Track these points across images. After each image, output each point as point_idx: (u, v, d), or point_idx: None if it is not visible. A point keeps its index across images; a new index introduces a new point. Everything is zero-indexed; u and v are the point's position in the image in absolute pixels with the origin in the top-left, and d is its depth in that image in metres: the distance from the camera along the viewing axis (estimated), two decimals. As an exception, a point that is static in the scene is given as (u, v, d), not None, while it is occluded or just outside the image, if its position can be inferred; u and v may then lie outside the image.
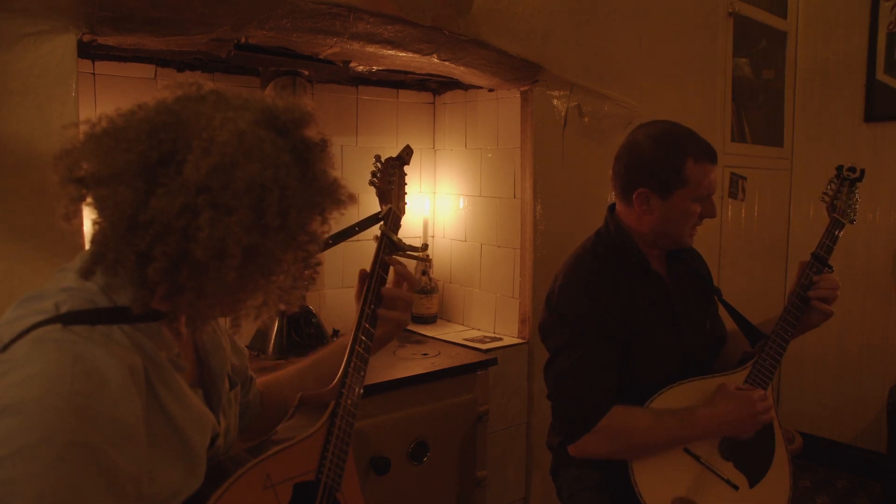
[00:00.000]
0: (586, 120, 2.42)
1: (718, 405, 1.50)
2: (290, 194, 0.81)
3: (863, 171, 1.64)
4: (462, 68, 2.08)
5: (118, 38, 1.50)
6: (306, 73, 2.08)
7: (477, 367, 2.06)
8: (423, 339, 2.33)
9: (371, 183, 1.32)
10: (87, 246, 0.82)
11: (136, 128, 0.79)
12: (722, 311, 1.74)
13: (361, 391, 1.13)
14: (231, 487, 0.91)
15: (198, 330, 0.87)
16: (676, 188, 1.52)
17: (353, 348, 1.14)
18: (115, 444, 0.73)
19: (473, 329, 2.49)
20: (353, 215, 1.03)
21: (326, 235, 0.92)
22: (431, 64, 2.04)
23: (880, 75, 3.24)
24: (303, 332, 2.05)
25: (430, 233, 2.61)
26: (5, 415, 0.69)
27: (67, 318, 0.76)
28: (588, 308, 1.52)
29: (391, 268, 1.22)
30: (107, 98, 1.85)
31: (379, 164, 1.33)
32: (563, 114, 2.35)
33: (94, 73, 1.84)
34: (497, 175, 2.41)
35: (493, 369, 2.13)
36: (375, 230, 1.26)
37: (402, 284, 1.23)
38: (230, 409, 1.07)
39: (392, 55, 1.92)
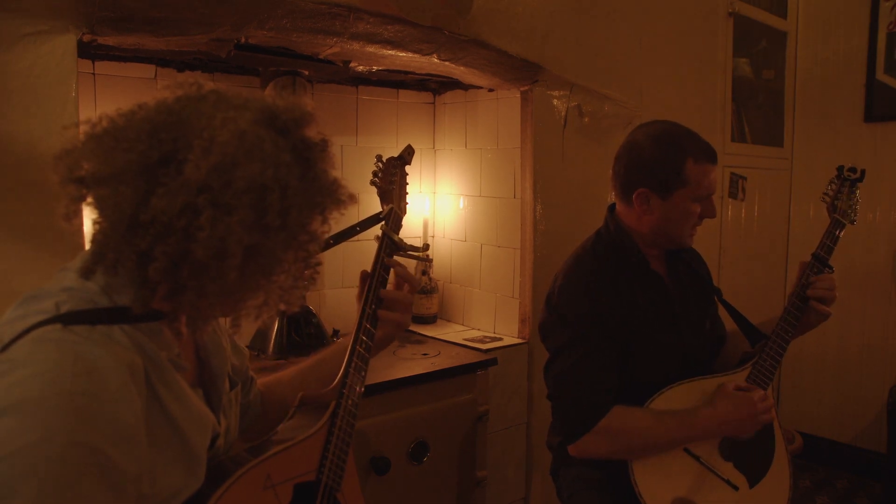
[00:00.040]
0: (586, 120, 2.42)
1: (718, 405, 1.50)
2: (290, 194, 0.81)
3: (863, 172, 1.64)
4: (462, 68, 2.08)
5: (118, 38, 1.50)
6: (306, 73, 2.08)
7: (477, 367, 2.06)
8: (423, 339, 2.33)
9: (372, 183, 1.32)
10: (88, 246, 0.82)
11: (137, 127, 0.79)
12: (722, 311, 1.74)
13: (362, 391, 1.13)
14: (231, 487, 0.91)
15: (198, 330, 0.87)
16: (676, 188, 1.52)
17: (353, 348, 1.14)
18: (116, 444, 0.73)
19: (473, 329, 2.49)
20: (353, 215, 1.03)
21: (327, 235, 0.92)
22: (431, 64, 2.04)
23: (880, 75, 3.25)
24: (303, 332, 2.05)
25: (430, 233, 2.61)
26: (5, 414, 0.69)
27: (68, 318, 0.76)
28: (588, 308, 1.52)
29: (392, 269, 1.22)
30: (107, 98, 1.85)
31: (380, 164, 1.33)
32: (563, 114, 2.35)
33: (94, 73, 1.84)
34: (497, 175, 2.41)
35: (493, 369, 2.12)
36: (376, 230, 1.26)
37: (402, 286, 1.23)
38: (231, 409, 1.07)
39: (392, 55, 1.92)
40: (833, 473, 3.36)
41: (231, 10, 1.51)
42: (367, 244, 1.26)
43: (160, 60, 1.93)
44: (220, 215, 0.76)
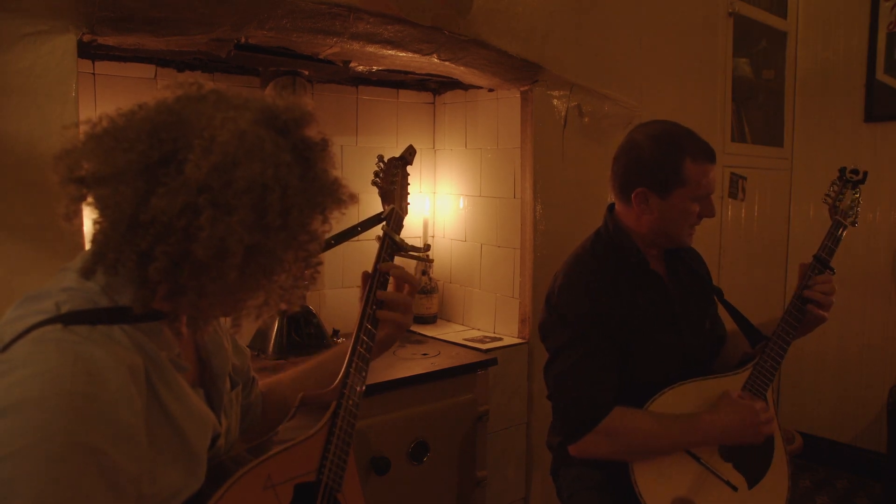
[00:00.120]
0: (586, 120, 2.42)
1: (721, 413, 1.50)
2: (291, 193, 0.81)
3: (865, 174, 1.64)
4: (462, 68, 2.08)
5: (118, 38, 1.50)
6: (306, 73, 2.08)
7: (477, 367, 2.06)
8: (423, 339, 2.33)
9: (374, 183, 1.31)
10: (88, 245, 0.82)
11: (137, 127, 0.79)
12: (722, 312, 1.74)
13: (363, 391, 1.13)
14: (232, 487, 0.91)
15: (199, 330, 0.87)
16: (675, 188, 1.52)
17: (354, 349, 1.13)
18: (116, 445, 0.73)
19: (473, 329, 2.49)
20: (354, 215, 1.03)
21: (327, 235, 0.92)
22: (431, 64, 2.04)
23: (880, 75, 3.25)
24: (303, 332, 2.05)
25: (430, 233, 2.61)
26: (5, 415, 0.69)
27: (68, 318, 0.76)
28: (588, 308, 1.52)
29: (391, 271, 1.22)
30: (107, 98, 1.85)
31: (382, 164, 1.32)
32: (563, 114, 2.35)
33: (94, 73, 1.84)
34: (497, 175, 2.41)
35: (493, 369, 2.12)
36: (378, 230, 1.26)
37: (403, 287, 1.22)
38: (231, 409, 1.07)
39: (392, 55, 1.92)
40: (833, 473, 3.36)
41: (231, 10, 1.51)
42: (368, 244, 1.26)
43: (160, 60, 1.93)
44: (221, 215, 0.76)
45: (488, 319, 2.47)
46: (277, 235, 0.82)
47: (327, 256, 0.95)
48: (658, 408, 1.51)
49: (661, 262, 1.67)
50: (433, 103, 2.64)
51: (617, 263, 1.59)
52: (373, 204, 1.30)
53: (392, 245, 1.24)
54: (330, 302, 2.35)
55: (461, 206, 2.58)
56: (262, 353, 2.01)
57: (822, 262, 1.59)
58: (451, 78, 2.25)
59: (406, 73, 2.24)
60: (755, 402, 1.52)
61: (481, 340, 2.29)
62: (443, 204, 2.65)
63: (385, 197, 1.31)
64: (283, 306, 0.90)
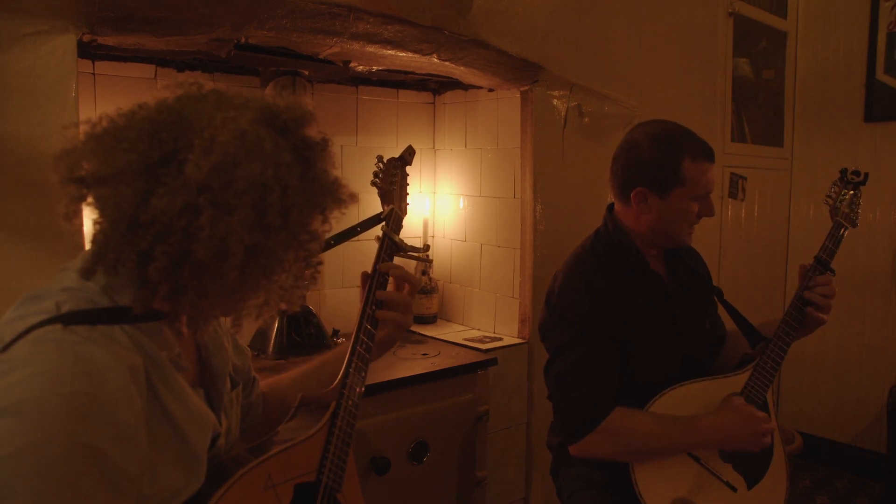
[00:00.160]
0: (586, 120, 2.42)
1: (723, 418, 1.50)
2: (291, 193, 0.81)
3: (866, 175, 1.64)
4: (462, 68, 2.08)
5: (118, 38, 1.50)
6: (306, 73, 2.08)
7: (477, 367, 2.06)
8: (423, 339, 2.33)
9: (373, 183, 1.31)
10: (88, 245, 0.82)
11: (137, 127, 0.79)
12: (722, 312, 1.74)
13: (362, 392, 1.13)
14: (232, 487, 0.91)
15: (199, 330, 0.87)
16: (674, 187, 1.52)
17: (354, 349, 1.13)
18: (116, 445, 0.73)
19: (473, 329, 2.49)
20: (353, 215, 1.03)
21: (327, 235, 0.92)
22: (431, 64, 2.04)
23: (880, 75, 3.25)
24: (303, 332, 2.05)
25: (430, 233, 2.61)
26: (5, 415, 0.69)
27: (68, 318, 0.76)
28: (588, 307, 1.52)
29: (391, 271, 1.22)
30: (107, 98, 1.85)
31: (381, 165, 1.32)
32: (563, 114, 2.35)
33: (94, 73, 1.84)
34: (497, 175, 2.41)
35: (493, 369, 2.12)
36: (377, 230, 1.25)
37: (403, 286, 1.22)
38: (231, 409, 1.07)
39: (392, 55, 1.92)
40: (833, 473, 3.36)
41: (231, 10, 1.51)
42: (367, 244, 1.26)
43: (160, 60, 1.93)
44: (221, 215, 0.76)
45: (488, 319, 2.47)
46: (278, 235, 0.82)
47: (327, 256, 0.95)
48: (658, 408, 1.51)
49: (661, 261, 1.67)
50: (433, 103, 2.64)
51: (617, 263, 1.59)
52: (372, 204, 1.30)
53: (391, 245, 1.24)
54: (330, 302, 2.35)
55: (461, 206, 2.58)
56: (262, 353, 2.01)
57: (822, 264, 1.58)
58: (451, 78, 2.25)
59: (406, 73, 2.24)
60: (757, 410, 1.52)
61: (481, 340, 2.29)
62: (443, 204, 2.65)
63: (384, 197, 1.31)
64: (284, 306, 0.90)
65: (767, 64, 3.46)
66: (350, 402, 1.10)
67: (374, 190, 1.31)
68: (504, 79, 2.19)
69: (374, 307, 1.17)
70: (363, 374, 1.13)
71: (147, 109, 0.82)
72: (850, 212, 1.62)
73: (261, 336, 2.04)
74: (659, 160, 1.52)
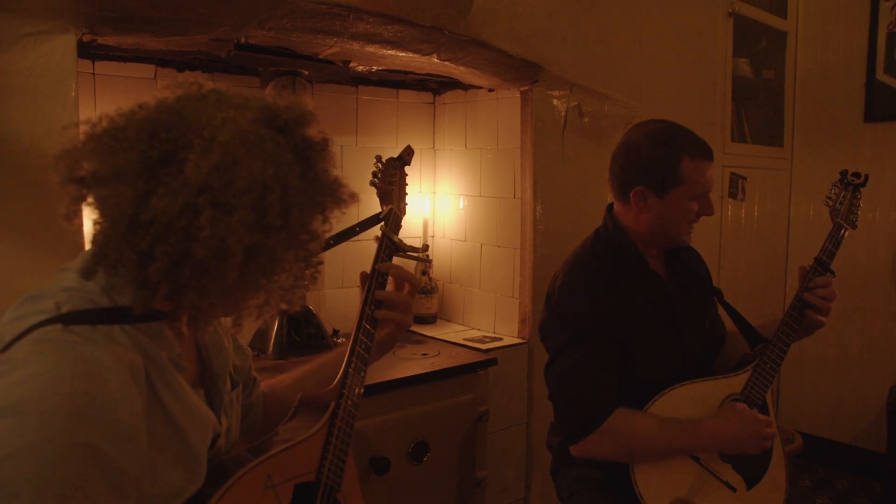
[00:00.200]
0: (586, 120, 2.42)
1: (725, 422, 1.50)
2: (291, 193, 0.81)
3: (866, 177, 1.64)
4: (462, 68, 2.08)
5: (118, 38, 1.50)
6: (306, 73, 2.08)
7: (477, 367, 2.06)
8: (423, 339, 2.33)
9: (372, 183, 1.31)
10: (88, 246, 0.82)
11: (137, 127, 0.79)
12: (722, 313, 1.74)
13: (362, 392, 1.13)
14: (232, 487, 0.91)
15: (199, 330, 0.87)
16: (673, 186, 1.52)
17: (353, 349, 1.13)
18: (116, 445, 0.73)
19: (473, 329, 2.49)
20: (353, 215, 1.03)
21: (327, 235, 0.91)
22: (431, 64, 2.04)
23: (880, 75, 3.25)
24: (303, 332, 2.05)
25: (430, 233, 2.61)
26: (6, 415, 0.69)
27: (68, 318, 0.76)
28: (588, 307, 1.52)
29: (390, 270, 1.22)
30: (107, 98, 1.85)
31: (380, 165, 1.32)
32: (563, 114, 2.35)
33: (94, 73, 1.84)
34: (497, 175, 2.41)
35: (493, 369, 2.12)
36: (376, 231, 1.25)
37: (403, 286, 1.22)
38: (232, 409, 1.07)
39: (392, 55, 1.92)
40: (833, 473, 3.36)
41: (231, 10, 1.51)
42: (367, 244, 1.26)
43: (160, 60, 1.93)
44: (221, 215, 0.76)
45: (488, 319, 2.47)
46: (278, 235, 0.82)
47: (327, 256, 0.95)
48: (658, 408, 1.51)
49: (661, 261, 1.67)
50: (433, 103, 2.64)
51: (616, 263, 1.59)
52: (372, 204, 1.30)
53: (390, 245, 1.23)
54: (330, 302, 2.35)
55: (461, 206, 2.58)
56: (262, 353, 2.01)
57: (822, 265, 1.59)
58: (451, 78, 2.25)
59: (406, 73, 2.24)
60: (759, 414, 1.52)
61: (481, 340, 2.29)
62: (443, 204, 2.65)
63: (383, 197, 1.30)
64: (284, 306, 0.90)
65: (767, 64, 3.46)
66: (349, 402, 1.10)
67: (374, 190, 1.32)
68: (504, 79, 2.19)
69: (373, 307, 1.17)
70: (362, 374, 1.13)
71: (147, 109, 0.82)
72: (850, 213, 1.63)
73: (261, 336, 2.04)
74: (657, 159, 1.52)
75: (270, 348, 2.01)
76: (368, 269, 1.21)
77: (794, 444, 3.32)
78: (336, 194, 0.88)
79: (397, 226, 1.27)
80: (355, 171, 2.27)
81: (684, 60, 2.87)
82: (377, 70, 2.13)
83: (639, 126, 1.62)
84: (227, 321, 1.06)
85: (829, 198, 1.66)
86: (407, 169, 1.37)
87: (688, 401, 1.53)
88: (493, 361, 2.11)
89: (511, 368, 2.24)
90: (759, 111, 3.44)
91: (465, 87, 2.47)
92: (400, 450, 1.82)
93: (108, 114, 0.82)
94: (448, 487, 1.97)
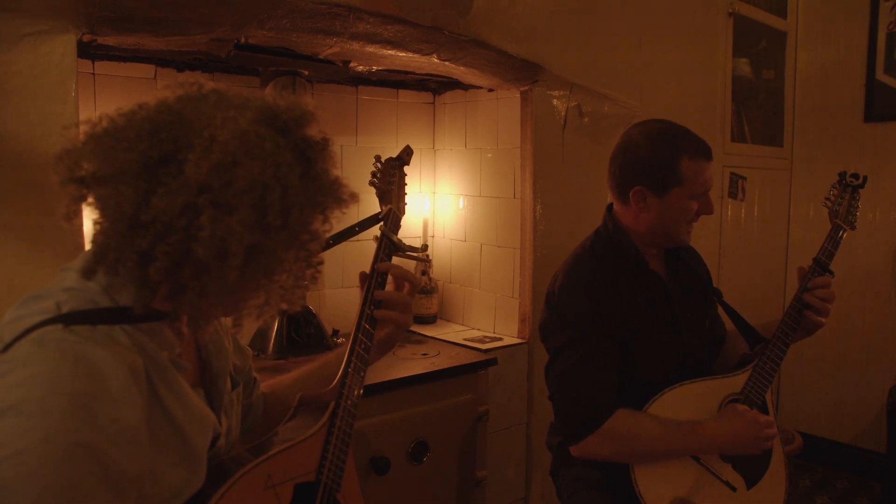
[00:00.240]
0: (586, 120, 2.42)
1: (726, 423, 1.50)
2: (291, 193, 0.81)
3: (865, 178, 1.65)
4: (462, 68, 2.08)
5: (118, 38, 1.50)
6: (306, 73, 2.08)
7: (477, 367, 2.06)
8: (423, 339, 2.33)
9: (371, 183, 1.31)
10: (88, 245, 0.82)
11: (137, 127, 0.79)
12: (721, 313, 1.74)
13: (361, 392, 1.13)
14: (232, 487, 0.91)
15: (200, 330, 0.87)
16: (672, 186, 1.52)
17: (352, 349, 1.13)
18: (117, 445, 0.73)
19: (473, 329, 2.49)
20: (353, 215, 1.03)
21: (328, 234, 0.91)
22: (431, 64, 2.04)
23: (880, 75, 3.25)
24: (303, 332, 2.05)
25: (429, 233, 2.61)
26: (6, 415, 0.69)
27: (69, 318, 0.76)
28: (588, 307, 1.52)
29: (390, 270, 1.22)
30: (107, 98, 1.85)
31: (379, 165, 1.32)
32: (563, 114, 2.35)
33: (93, 73, 1.84)
34: (497, 175, 2.41)
35: (493, 369, 2.13)
36: (375, 230, 1.25)
37: (403, 286, 1.22)
38: (232, 409, 1.07)
39: (392, 55, 1.92)
40: (833, 473, 3.36)
41: (231, 10, 1.51)
42: (367, 244, 1.26)
43: (160, 60, 1.93)
44: (221, 215, 0.76)
45: (488, 319, 2.47)
46: (278, 235, 0.82)
47: (327, 256, 0.95)
48: (658, 408, 1.51)
49: (661, 261, 1.67)
50: (433, 103, 2.64)
51: (616, 263, 1.59)
52: (372, 204, 1.30)
53: (389, 245, 1.23)
54: (330, 302, 2.35)
55: (461, 206, 2.58)
56: (262, 353, 2.01)
57: (821, 266, 1.59)
58: (451, 78, 2.25)
59: (406, 73, 2.24)
60: (760, 416, 1.53)
61: (481, 340, 2.29)
62: (442, 204, 2.65)
63: (382, 197, 1.31)
64: (284, 306, 0.90)
65: (767, 64, 3.46)
66: (349, 402, 1.10)
67: (373, 190, 1.32)
68: (504, 79, 2.20)
69: (372, 307, 1.16)
70: (362, 374, 1.13)
71: (147, 109, 0.82)
72: (849, 214, 1.64)
73: (261, 336, 2.04)
74: (657, 159, 1.52)
75: (270, 348, 2.01)
76: (368, 269, 1.21)
77: (794, 444, 3.32)
78: (336, 194, 0.88)
79: (396, 226, 1.27)
80: (355, 171, 2.27)
81: (684, 60, 2.87)
82: (377, 70, 2.13)
83: (638, 126, 1.62)
84: (227, 321, 1.06)
85: (827, 199, 1.67)
86: (406, 169, 1.37)
87: (687, 401, 1.53)
88: (493, 361, 2.11)
89: (511, 368, 2.24)
90: (759, 111, 3.44)
91: (465, 87, 2.47)
92: (400, 450, 1.82)
93: (108, 114, 0.82)
94: (448, 487, 1.97)
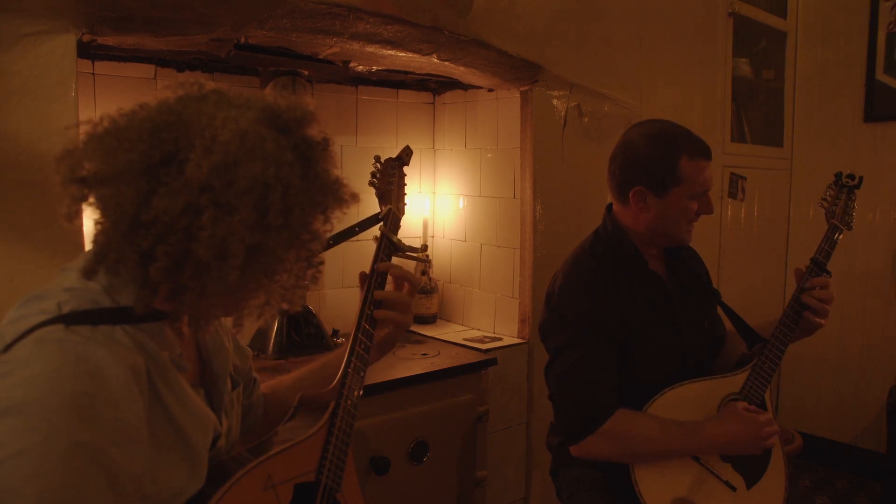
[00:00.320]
0: (586, 120, 2.42)
1: (726, 424, 1.50)
2: (292, 193, 0.81)
3: (861, 179, 1.66)
4: (462, 68, 2.08)
5: (118, 38, 1.50)
6: (306, 73, 2.08)
7: (477, 367, 2.06)
8: (422, 339, 2.33)
9: (371, 183, 1.31)
10: (89, 246, 0.82)
11: (138, 127, 0.79)
12: (720, 313, 1.74)
13: (361, 392, 1.13)
14: (232, 488, 0.91)
15: (200, 330, 0.87)
16: (672, 186, 1.52)
17: (352, 349, 1.13)
18: (118, 445, 0.73)
19: (473, 329, 2.49)
20: (352, 215, 1.03)
21: (329, 234, 0.92)
22: (431, 64, 2.04)
23: (880, 75, 3.25)
24: (303, 332, 2.05)
25: (429, 233, 2.61)
26: (8, 415, 0.69)
27: (70, 319, 0.76)
28: (588, 307, 1.52)
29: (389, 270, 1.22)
30: (106, 98, 1.85)
31: (378, 165, 1.32)
32: (562, 114, 2.35)
33: (93, 73, 1.84)
34: (497, 175, 2.41)
35: (493, 369, 2.13)
36: (375, 231, 1.25)
37: (402, 286, 1.22)
38: (232, 409, 1.07)
39: (392, 55, 1.92)
40: (833, 473, 3.36)
41: (231, 10, 1.51)
42: (367, 244, 1.26)
43: (160, 60, 1.93)
44: (222, 215, 0.76)
45: (488, 319, 2.47)
46: (279, 235, 0.82)
47: (327, 257, 0.95)
48: (658, 408, 1.51)
49: (661, 261, 1.67)
50: (433, 103, 2.64)
51: (616, 263, 1.59)
52: (371, 204, 1.30)
53: (389, 245, 1.23)
54: (330, 302, 2.35)
55: (461, 206, 2.58)
56: (261, 353, 2.01)
57: (818, 266, 1.60)
58: (451, 78, 2.25)
59: (406, 73, 2.24)
60: (760, 414, 1.53)
61: (481, 340, 2.29)
62: (442, 204, 2.65)
63: (382, 197, 1.31)
64: (285, 306, 0.90)
65: (767, 64, 3.46)
66: (349, 402, 1.10)
67: (373, 190, 1.32)
68: (504, 79, 2.20)
69: (372, 307, 1.16)
70: (362, 374, 1.13)
71: (148, 109, 0.82)
72: (845, 214, 1.65)
73: (261, 336, 2.04)
74: (656, 159, 1.53)
75: (270, 348, 2.01)
76: (368, 269, 1.21)
77: (794, 444, 3.32)
78: (337, 194, 0.88)
79: (396, 226, 1.27)
80: (355, 171, 2.26)
81: (684, 60, 2.87)
82: (377, 70, 2.13)
83: (637, 126, 1.62)
84: (228, 321, 1.06)
85: (824, 199, 1.68)
86: (406, 169, 1.37)
87: (687, 401, 1.53)
88: (492, 361, 2.11)
89: (511, 368, 2.24)
90: (759, 111, 3.44)
91: (465, 87, 2.47)
92: (400, 450, 1.82)
93: (109, 114, 0.82)
94: (448, 487, 1.97)
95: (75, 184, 0.79)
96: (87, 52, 1.69)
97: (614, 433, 1.47)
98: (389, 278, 1.21)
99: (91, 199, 0.79)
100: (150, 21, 1.45)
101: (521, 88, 2.27)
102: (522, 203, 2.31)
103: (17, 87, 1.30)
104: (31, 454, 0.68)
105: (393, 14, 1.75)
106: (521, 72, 2.18)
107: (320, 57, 1.91)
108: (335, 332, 2.21)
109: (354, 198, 0.91)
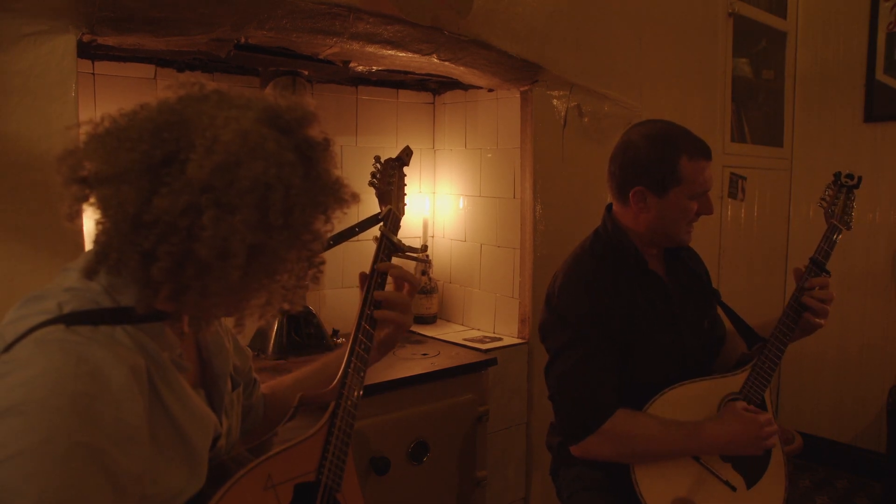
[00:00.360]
0: (586, 120, 2.42)
1: (726, 424, 1.50)
2: (294, 193, 0.81)
3: (860, 179, 1.66)
4: (462, 68, 2.08)
5: (118, 38, 1.50)
6: (306, 73, 2.08)
7: (477, 368, 2.06)
8: (422, 339, 2.33)
9: (371, 184, 1.31)
10: (90, 246, 0.82)
11: (139, 127, 0.79)
12: (720, 313, 1.74)
13: (361, 392, 1.13)
14: (232, 488, 0.91)
15: (201, 330, 0.87)
16: (672, 186, 1.52)
17: (352, 349, 1.13)
18: (118, 445, 0.73)
19: (473, 329, 2.49)
20: (352, 216, 1.03)
21: (330, 234, 0.92)
22: (431, 64, 2.04)
23: (880, 75, 3.25)
24: (303, 332, 2.05)
25: (429, 233, 2.61)
26: (8, 415, 0.69)
27: (70, 319, 0.76)
28: (588, 308, 1.52)
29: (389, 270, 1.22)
30: (107, 98, 1.85)
31: (378, 165, 1.32)
32: (562, 114, 2.35)
33: (93, 73, 1.84)
34: (497, 175, 2.41)
35: (493, 369, 2.13)
36: (375, 231, 1.25)
37: (403, 286, 1.22)
38: (232, 409, 1.07)
39: (392, 55, 1.92)
40: (833, 473, 3.36)
41: (231, 10, 1.51)
42: (367, 244, 1.26)
43: (160, 60, 1.93)
44: (224, 215, 0.76)
45: (488, 319, 2.47)
46: (280, 235, 0.82)
47: (327, 257, 0.95)
48: (658, 408, 1.51)
49: (661, 261, 1.67)
50: (433, 103, 2.64)
51: (616, 263, 1.59)
52: (371, 204, 1.30)
53: (389, 245, 1.23)
54: (330, 302, 2.35)
55: (461, 206, 2.58)
56: (262, 353, 2.01)
57: (818, 266, 1.60)
58: (451, 78, 2.25)
59: (406, 73, 2.24)
60: (760, 414, 1.53)
61: (481, 340, 2.29)
62: (442, 204, 2.65)
63: (382, 198, 1.31)
64: (286, 306, 0.90)
65: (767, 64, 3.46)
66: (349, 403, 1.10)
67: (373, 190, 1.32)
68: (504, 79, 2.20)
69: (372, 307, 1.16)
70: (362, 374, 1.13)
71: (149, 109, 0.82)
72: (844, 214, 1.65)
73: (261, 336, 2.04)
74: (656, 159, 1.53)
75: (270, 348, 2.01)
76: (368, 270, 1.21)
77: (794, 444, 3.32)
78: (338, 194, 0.88)
79: (396, 226, 1.27)
80: (355, 172, 2.27)
81: (684, 60, 2.87)
82: (377, 70, 2.13)
83: (637, 126, 1.62)
84: (229, 321, 1.06)
85: (823, 199, 1.68)
86: (406, 169, 1.37)
87: (687, 400, 1.53)
88: (493, 361, 2.11)
89: (511, 368, 2.24)
90: (759, 111, 3.44)
91: (465, 87, 2.47)
92: (400, 450, 1.82)
93: (110, 114, 0.82)
94: (448, 487, 1.97)
95: (76, 184, 0.79)
96: (87, 52, 1.69)
97: (615, 433, 1.47)
98: (389, 278, 1.21)
99: (92, 199, 0.79)
100: (151, 21, 1.45)
101: (521, 88, 2.27)
102: (522, 203, 2.31)
103: (17, 87, 1.30)
104: (32, 454, 0.68)
105: (393, 14, 1.75)
106: (521, 72, 2.18)
107: (320, 57, 1.91)
108: (335, 333, 2.21)
109: (355, 198, 0.91)
